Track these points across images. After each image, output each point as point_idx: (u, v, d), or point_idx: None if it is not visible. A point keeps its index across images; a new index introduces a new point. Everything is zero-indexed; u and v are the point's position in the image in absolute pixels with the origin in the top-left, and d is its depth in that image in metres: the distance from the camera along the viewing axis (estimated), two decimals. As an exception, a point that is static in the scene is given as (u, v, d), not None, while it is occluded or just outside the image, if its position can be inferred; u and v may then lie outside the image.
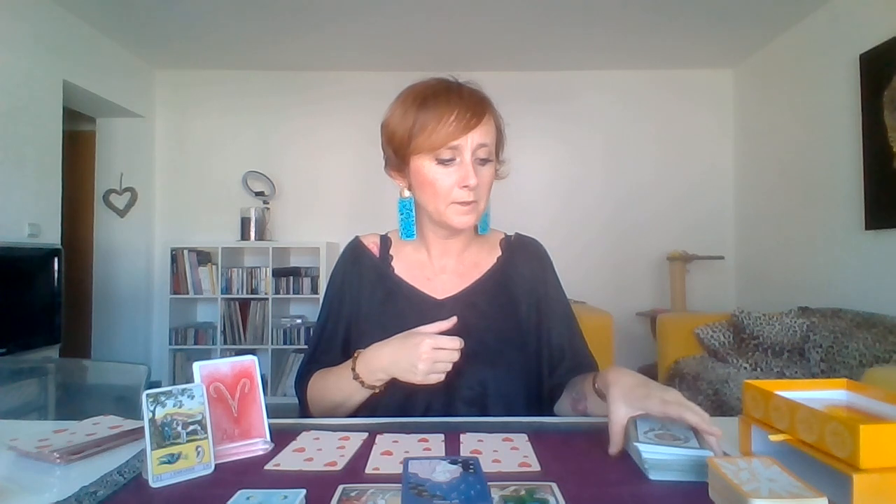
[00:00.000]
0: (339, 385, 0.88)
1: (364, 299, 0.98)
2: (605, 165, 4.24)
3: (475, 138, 0.87)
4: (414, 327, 0.90)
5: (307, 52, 3.90)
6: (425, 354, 0.78)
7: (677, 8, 3.24)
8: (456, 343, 0.79)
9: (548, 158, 4.23)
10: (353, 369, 0.85)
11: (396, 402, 0.88)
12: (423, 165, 0.89)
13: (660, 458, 0.61)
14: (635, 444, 0.62)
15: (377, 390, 0.86)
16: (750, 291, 4.00)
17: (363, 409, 0.90)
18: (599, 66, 4.18)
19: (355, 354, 0.87)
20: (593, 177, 4.24)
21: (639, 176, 4.22)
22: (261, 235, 3.93)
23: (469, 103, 0.87)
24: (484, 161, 0.89)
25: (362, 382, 0.84)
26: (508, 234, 1.06)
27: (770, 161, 3.77)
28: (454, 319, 0.83)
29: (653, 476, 0.60)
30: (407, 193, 0.95)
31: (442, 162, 0.88)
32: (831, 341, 2.56)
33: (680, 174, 4.21)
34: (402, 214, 0.96)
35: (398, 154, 0.92)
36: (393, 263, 1.01)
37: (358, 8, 3.24)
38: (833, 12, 3.14)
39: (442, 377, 0.80)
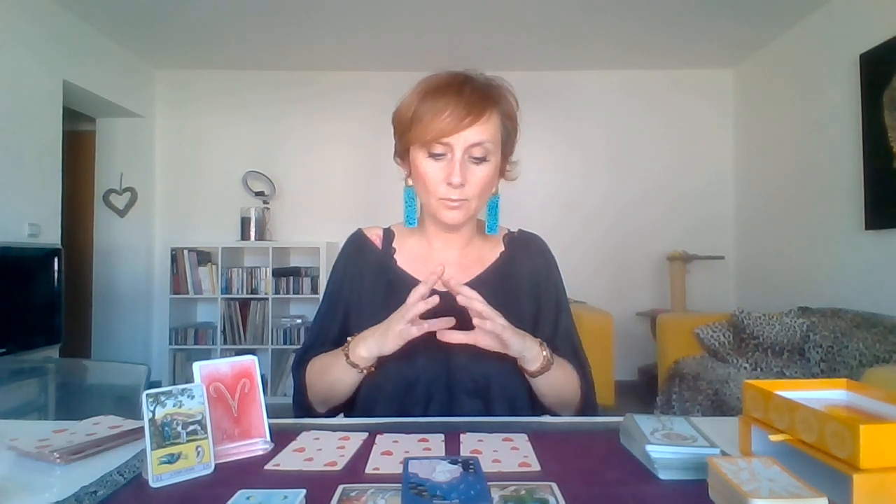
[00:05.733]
0: (332, 368, 0.90)
1: (366, 291, 0.98)
2: (604, 165, 4.24)
3: (469, 137, 0.86)
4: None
5: (307, 52, 3.90)
6: (399, 327, 0.81)
7: (678, 8, 3.24)
8: (421, 290, 0.81)
9: (547, 157, 4.23)
10: (347, 354, 0.87)
11: (397, 395, 0.88)
12: (418, 157, 0.90)
13: (668, 458, 0.61)
14: (645, 445, 0.62)
15: (366, 371, 0.88)
16: (750, 291, 4.00)
17: (364, 401, 0.91)
18: (600, 66, 4.18)
19: (348, 340, 0.89)
20: (593, 177, 4.24)
21: (639, 176, 4.22)
22: (261, 235, 3.93)
23: (469, 101, 0.86)
24: (479, 160, 0.88)
25: (355, 365, 0.86)
26: (511, 229, 1.07)
27: (770, 161, 3.78)
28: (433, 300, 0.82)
29: (662, 476, 0.60)
30: (410, 182, 0.95)
31: (433, 156, 0.88)
32: (831, 341, 2.56)
33: (680, 174, 4.21)
34: (406, 202, 0.96)
35: (401, 141, 0.94)
36: (395, 256, 1.01)
37: (358, 8, 3.24)
38: (833, 12, 3.14)
39: (416, 329, 0.81)
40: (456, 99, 0.86)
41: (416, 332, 0.81)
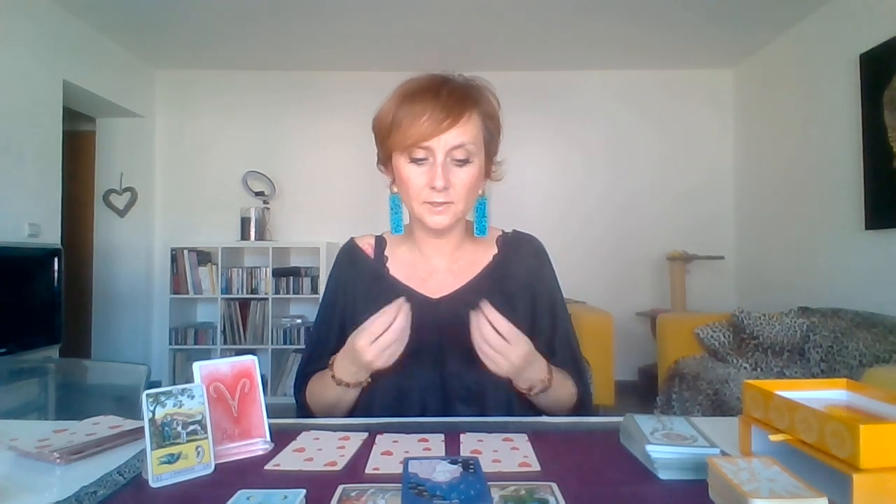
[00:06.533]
0: (327, 389, 0.89)
1: (360, 301, 0.97)
2: (605, 165, 4.24)
3: (449, 140, 0.85)
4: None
5: (307, 52, 3.90)
6: (363, 352, 0.78)
7: (677, 8, 3.24)
8: (387, 318, 0.77)
9: (547, 158, 4.24)
10: (333, 375, 0.86)
11: (391, 403, 0.88)
12: (400, 163, 0.89)
13: (668, 458, 0.61)
14: (644, 445, 0.62)
15: (364, 384, 0.86)
16: (750, 291, 4.00)
17: (358, 410, 0.90)
18: (599, 66, 4.18)
19: (331, 360, 0.88)
20: (593, 177, 4.24)
21: (639, 176, 4.22)
22: (261, 235, 3.93)
23: (447, 103, 0.85)
24: (462, 162, 0.88)
25: (347, 384, 0.85)
26: (506, 230, 1.06)
27: (770, 161, 3.78)
28: (398, 303, 0.80)
29: (662, 475, 0.60)
30: (395, 189, 0.95)
31: (415, 161, 0.88)
32: (831, 341, 2.56)
33: (680, 174, 4.21)
34: (391, 209, 0.96)
35: (382, 148, 0.93)
36: (388, 264, 1.01)
37: (358, 7, 3.24)
38: (833, 12, 3.14)
39: (397, 353, 0.79)
40: (434, 102, 0.85)
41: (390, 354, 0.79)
